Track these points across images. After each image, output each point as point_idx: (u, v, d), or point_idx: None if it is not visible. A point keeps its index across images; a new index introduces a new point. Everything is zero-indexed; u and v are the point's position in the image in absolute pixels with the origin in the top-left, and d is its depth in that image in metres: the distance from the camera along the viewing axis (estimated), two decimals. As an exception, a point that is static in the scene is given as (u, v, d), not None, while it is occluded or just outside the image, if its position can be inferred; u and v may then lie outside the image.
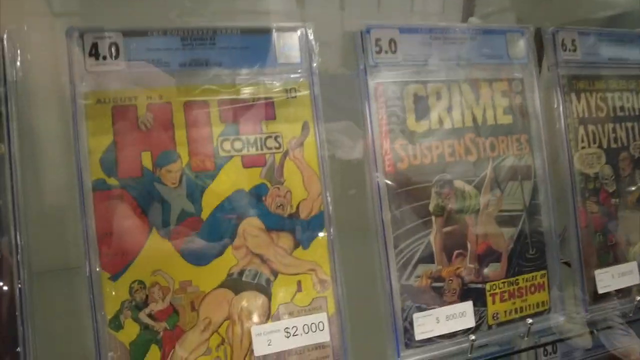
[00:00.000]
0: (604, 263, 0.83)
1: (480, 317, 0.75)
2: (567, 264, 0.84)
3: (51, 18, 0.72)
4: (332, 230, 0.68)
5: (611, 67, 0.90)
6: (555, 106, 0.84)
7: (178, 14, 0.75)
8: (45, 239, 0.60)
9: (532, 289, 0.79)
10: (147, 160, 0.62)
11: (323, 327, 0.66)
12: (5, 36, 0.58)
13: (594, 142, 0.86)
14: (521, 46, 0.83)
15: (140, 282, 0.60)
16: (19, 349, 0.56)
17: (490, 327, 0.76)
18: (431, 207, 0.74)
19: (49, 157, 0.64)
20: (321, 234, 0.68)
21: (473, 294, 0.75)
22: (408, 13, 0.98)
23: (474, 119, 0.78)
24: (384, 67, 0.73)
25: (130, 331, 0.60)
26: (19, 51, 0.59)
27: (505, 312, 0.77)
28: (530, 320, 0.76)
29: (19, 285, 0.56)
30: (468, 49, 0.79)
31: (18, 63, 0.59)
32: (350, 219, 0.72)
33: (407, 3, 0.98)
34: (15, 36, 0.59)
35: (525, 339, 0.77)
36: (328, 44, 0.74)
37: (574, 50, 0.87)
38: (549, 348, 0.90)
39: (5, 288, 0.56)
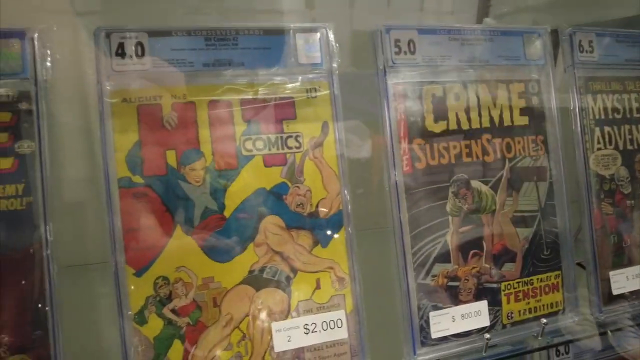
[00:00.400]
0: (618, 264, 0.84)
1: (495, 316, 0.76)
2: (582, 265, 0.85)
3: (76, 17, 0.73)
4: (350, 229, 0.69)
5: (628, 69, 0.90)
6: (572, 107, 0.85)
7: (189, 12, 0.77)
8: (73, 234, 0.62)
9: (546, 289, 0.79)
10: (171, 159, 0.64)
11: (341, 325, 0.67)
12: (36, 36, 0.59)
13: (610, 144, 0.86)
14: (538, 47, 0.84)
15: (165, 278, 0.62)
16: (48, 346, 0.57)
17: (504, 326, 0.77)
18: (448, 208, 0.75)
19: (76, 155, 0.65)
20: (339, 233, 0.69)
21: (488, 293, 0.76)
22: (420, 12, 0.99)
23: (491, 120, 0.79)
24: (402, 67, 0.74)
25: (155, 326, 0.61)
26: (48, 51, 0.61)
27: (519, 311, 0.78)
28: (544, 321, 0.76)
29: (49, 279, 0.58)
30: (485, 50, 0.80)
31: (48, 63, 0.60)
32: (368, 218, 0.73)
33: (418, 3, 0.98)
34: (45, 36, 0.60)
35: (539, 338, 0.78)
36: (342, 44, 0.74)
37: (591, 52, 0.87)
38: (561, 348, 0.91)
39: (36, 281, 0.57)
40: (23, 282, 0.58)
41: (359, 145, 0.75)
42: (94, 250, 0.63)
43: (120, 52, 0.63)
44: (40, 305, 0.58)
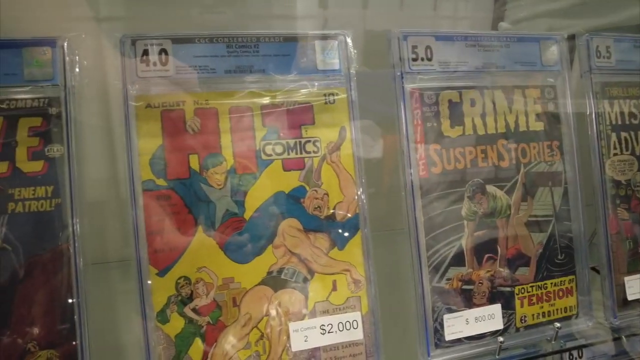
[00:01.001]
0: (633, 270, 0.84)
1: (508, 319, 0.77)
2: (596, 270, 0.85)
3: (102, 25, 0.75)
4: (366, 232, 0.71)
5: (646, 75, 0.90)
6: (588, 113, 0.85)
7: (208, 14, 0.78)
8: (98, 233, 0.64)
9: (560, 293, 0.80)
10: (194, 163, 0.66)
11: (357, 326, 0.69)
12: (65, 44, 0.62)
13: (627, 149, 0.86)
14: (554, 53, 0.84)
15: (186, 278, 0.64)
16: (75, 342, 0.60)
17: (518, 329, 0.78)
18: (463, 212, 0.76)
19: (102, 158, 0.68)
20: (356, 236, 0.70)
21: (502, 297, 0.77)
22: (435, 16, 1.00)
23: (507, 125, 0.80)
24: (419, 73, 0.75)
25: (176, 325, 0.63)
26: (77, 58, 0.63)
27: (533, 315, 0.78)
28: (558, 325, 0.77)
29: (76, 276, 0.60)
30: (502, 56, 0.81)
31: (77, 69, 0.63)
32: (384, 221, 0.74)
33: (432, 7, 0.99)
34: (73, 44, 0.63)
35: (553, 342, 0.78)
36: (357, 48, 0.76)
37: (608, 57, 0.87)
38: (575, 353, 0.91)
39: (64, 279, 0.60)
40: (52, 280, 0.60)
41: (375, 148, 0.76)
42: (119, 249, 0.66)
43: (145, 59, 0.65)
44: (67, 302, 0.60)
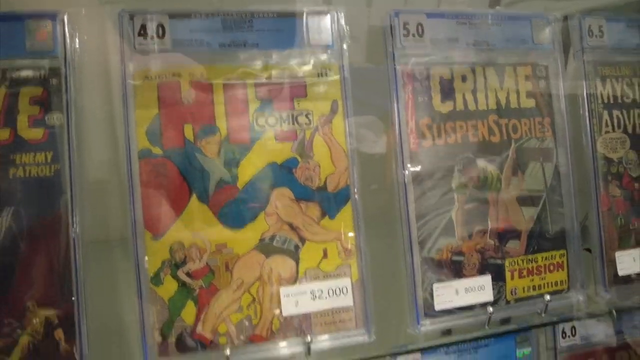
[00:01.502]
0: (625, 246, 0.85)
1: (499, 291, 0.78)
2: (589, 250, 0.86)
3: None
4: (357, 203, 0.72)
5: (639, 54, 0.90)
6: (580, 92, 0.86)
7: None
8: (96, 199, 0.67)
9: (551, 267, 0.81)
10: (189, 133, 0.68)
11: (347, 292, 0.70)
12: (65, 17, 0.64)
13: (619, 127, 0.87)
14: (546, 33, 0.85)
15: (180, 243, 0.66)
16: (73, 298, 0.62)
17: (508, 302, 0.79)
18: (454, 185, 0.77)
19: (100, 127, 0.70)
20: (346, 206, 0.72)
21: (492, 269, 0.78)
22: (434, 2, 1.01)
23: (497, 102, 0.81)
24: (411, 49, 0.77)
25: (169, 287, 0.65)
26: (77, 32, 0.65)
27: (523, 288, 0.79)
28: (548, 297, 0.78)
29: (74, 240, 0.62)
30: (493, 34, 0.82)
31: (76, 42, 0.65)
32: (375, 194, 0.76)
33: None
34: (74, 18, 0.65)
35: (543, 315, 0.79)
36: (353, 27, 0.77)
37: (601, 36, 0.88)
38: (568, 330, 0.92)
39: (62, 242, 0.62)
40: (52, 243, 0.63)
41: (367, 122, 0.78)
42: (115, 214, 0.68)
43: (143, 33, 0.68)
44: (65, 265, 0.62)
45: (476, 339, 0.79)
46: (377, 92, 0.78)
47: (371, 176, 0.77)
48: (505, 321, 0.83)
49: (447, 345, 0.80)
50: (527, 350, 0.87)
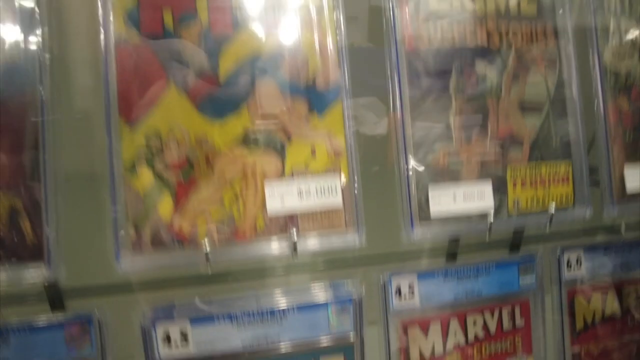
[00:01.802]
0: (632, 160, 0.80)
1: (500, 203, 0.73)
2: (596, 182, 0.81)
3: None
4: (347, 101, 0.68)
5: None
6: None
7: None
8: (70, 82, 0.63)
9: (556, 179, 0.76)
10: (168, 19, 0.63)
11: (336, 193, 0.66)
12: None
13: (626, 35, 0.82)
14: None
15: (157, 132, 0.62)
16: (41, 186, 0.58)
17: (510, 215, 0.74)
18: (451, 86, 0.72)
19: (76, 12, 0.66)
20: (336, 105, 0.68)
21: (493, 177, 0.73)
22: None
23: (496, 7, 0.76)
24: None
25: (145, 179, 0.61)
26: None
27: (526, 200, 0.75)
28: (553, 205, 0.73)
29: (42, 123, 0.58)
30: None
31: None
32: (368, 94, 0.72)
33: None
34: None
35: (547, 228, 0.75)
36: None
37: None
38: (573, 260, 0.88)
39: (30, 125, 0.58)
40: (21, 125, 0.58)
41: (359, 23, 0.74)
42: (91, 100, 0.64)
43: None
44: (34, 148, 0.58)
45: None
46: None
47: (363, 74, 0.72)
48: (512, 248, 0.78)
49: (446, 269, 0.76)
50: (530, 279, 0.83)
